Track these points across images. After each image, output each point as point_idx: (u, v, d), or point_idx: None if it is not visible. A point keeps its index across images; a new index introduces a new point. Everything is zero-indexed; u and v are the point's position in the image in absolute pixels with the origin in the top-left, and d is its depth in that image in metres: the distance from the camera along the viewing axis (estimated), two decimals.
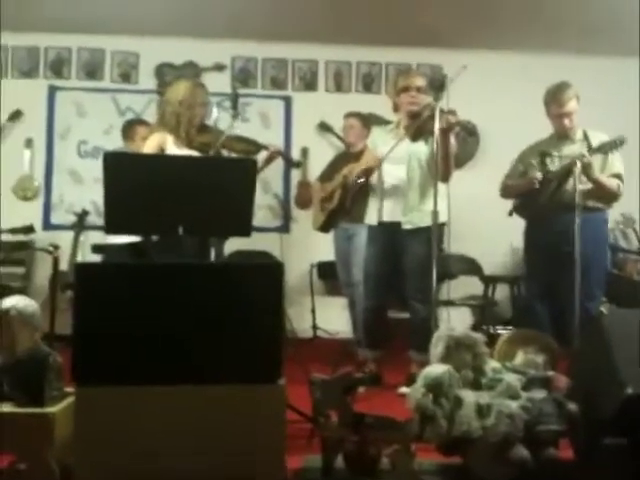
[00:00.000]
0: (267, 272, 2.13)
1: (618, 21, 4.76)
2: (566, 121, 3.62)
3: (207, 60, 5.46)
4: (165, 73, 5.43)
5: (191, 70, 5.40)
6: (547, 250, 3.56)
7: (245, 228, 2.75)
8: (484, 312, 4.84)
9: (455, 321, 4.53)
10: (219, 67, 5.49)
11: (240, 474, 1.96)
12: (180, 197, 2.63)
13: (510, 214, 3.77)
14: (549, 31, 5.02)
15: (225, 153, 3.46)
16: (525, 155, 3.81)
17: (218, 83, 5.13)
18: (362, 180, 3.64)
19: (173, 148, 3.25)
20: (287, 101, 5.55)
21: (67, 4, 4.68)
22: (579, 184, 3.21)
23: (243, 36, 5.31)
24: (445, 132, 3.23)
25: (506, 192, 3.86)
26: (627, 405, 1.77)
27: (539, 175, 3.56)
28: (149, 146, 3.31)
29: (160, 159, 3.06)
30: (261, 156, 3.44)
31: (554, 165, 3.56)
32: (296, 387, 2.24)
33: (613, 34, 4.94)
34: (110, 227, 2.72)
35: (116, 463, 1.96)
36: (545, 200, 3.50)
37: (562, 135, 3.68)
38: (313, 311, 5.19)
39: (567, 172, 3.34)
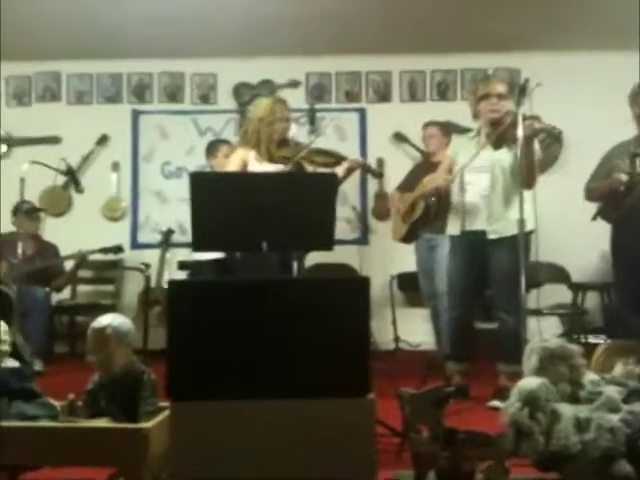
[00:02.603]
0: (354, 286, 2.13)
1: None
2: None
3: (282, 77, 5.55)
4: (242, 92, 5.56)
5: (267, 88, 5.51)
6: (635, 256, 3.39)
7: (327, 242, 2.76)
8: (574, 321, 4.67)
9: (544, 331, 4.39)
10: (294, 84, 5.57)
11: None
12: (264, 213, 2.67)
13: (594, 218, 3.63)
14: (629, 30, 4.83)
15: (306, 166, 3.50)
16: (609, 157, 3.67)
17: (293, 99, 5.20)
18: (434, 199, 3.59)
19: (255, 164, 3.33)
20: (362, 113, 5.57)
21: (146, 31, 4.86)
22: None
23: (316, 52, 5.38)
24: (529, 139, 3.15)
25: (590, 195, 3.73)
26: None
27: (624, 177, 3.41)
28: (232, 163, 3.41)
29: (243, 177, 3.14)
30: (341, 168, 3.45)
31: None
32: (382, 401, 2.22)
33: None
34: (197, 245, 2.79)
35: (210, 477, 1.99)
36: (632, 203, 3.35)
37: None
38: (394, 323, 5.15)
39: None
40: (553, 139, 3.70)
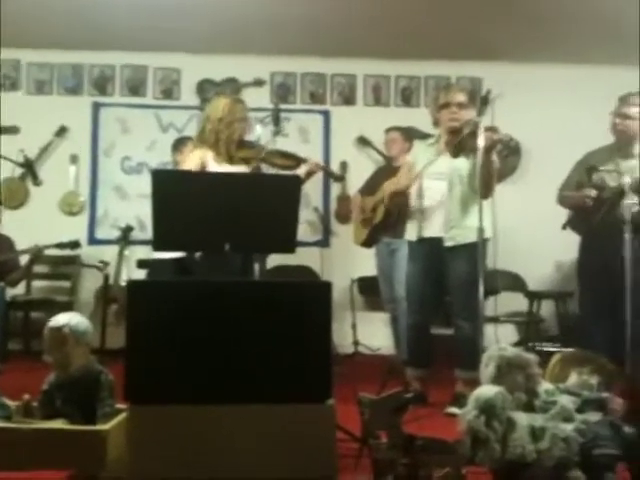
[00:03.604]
0: (316, 290, 2.13)
1: None
2: (621, 121, 3.54)
3: (247, 76, 5.52)
4: (206, 89, 5.51)
5: (231, 86, 5.47)
6: (601, 268, 3.48)
7: (290, 244, 2.76)
8: (529, 329, 4.77)
9: (500, 338, 4.47)
10: (259, 82, 5.54)
11: None
12: (226, 214, 2.66)
13: (564, 228, 3.71)
14: (590, 44, 4.95)
15: (265, 168, 3.49)
16: (580, 165, 3.75)
17: (258, 98, 5.19)
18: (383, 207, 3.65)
19: (214, 165, 3.28)
20: (326, 115, 5.58)
21: (110, 22, 4.78)
22: (634, 201, 3.14)
23: (282, 52, 5.37)
24: (487, 150, 3.21)
25: (562, 202, 3.80)
26: None
27: (593, 192, 3.50)
28: (190, 163, 3.35)
29: (207, 176, 3.09)
30: (301, 170, 3.45)
31: (611, 180, 3.48)
32: (341, 405, 2.23)
33: None
34: (158, 244, 2.76)
35: None
36: (599, 219, 3.43)
37: (622, 146, 3.60)
38: (354, 327, 5.17)
39: (621, 191, 3.27)
40: (511, 150, 3.76)
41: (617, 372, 2.21)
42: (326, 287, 2.15)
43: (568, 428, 1.94)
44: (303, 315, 2.07)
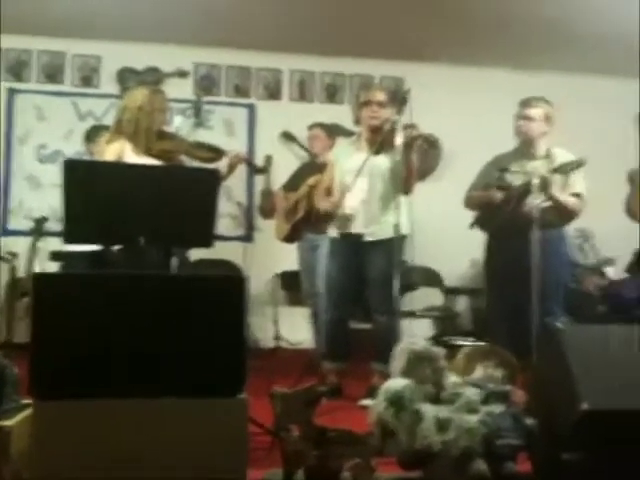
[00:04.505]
0: (230, 284, 2.12)
1: (585, 39, 4.87)
2: (523, 124, 3.67)
3: (170, 66, 5.41)
4: (127, 78, 5.36)
5: (153, 75, 5.35)
6: (507, 265, 3.61)
7: (206, 239, 2.74)
8: (445, 323, 4.90)
9: (417, 332, 4.58)
10: (182, 73, 5.44)
11: None
12: (141, 206, 2.61)
13: (471, 227, 3.82)
14: (512, 47, 5.12)
15: (186, 160, 3.44)
16: (488, 168, 3.87)
17: (181, 90, 5.11)
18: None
19: (132, 156, 3.20)
20: (251, 109, 5.55)
21: (28, 6, 4.59)
22: (538, 201, 3.28)
23: (207, 43, 5.29)
24: (407, 146, 3.28)
25: (469, 203, 3.91)
26: (584, 420, 1.80)
27: (499, 192, 3.62)
28: (107, 154, 3.26)
29: (121, 167, 3.01)
30: (223, 163, 3.42)
31: (516, 180, 3.62)
32: (259, 399, 2.23)
33: (579, 51, 5.06)
34: (69, 237, 2.69)
35: (74, 478, 1.91)
36: (505, 216, 3.56)
37: (525, 148, 3.74)
38: (276, 321, 5.17)
39: (526, 190, 3.40)
40: (429, 145, 3.86)
41: (520, 366, 2.30)
42: (239, 281, 2.15)
43: (472, 419, 2.01)
44: (216, 309, 2.05)
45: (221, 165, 3.38)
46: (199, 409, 1.97)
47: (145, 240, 2.64)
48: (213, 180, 2.77)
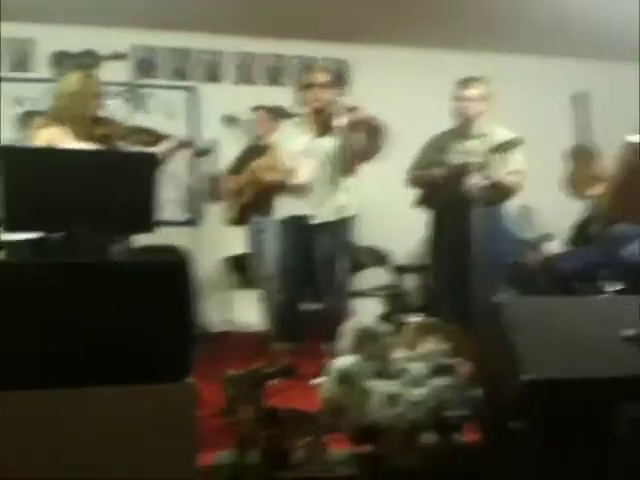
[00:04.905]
0: (172, 269, 2.09)
1: (521, 20, 4.95)
2: (461, 104, 3.72)
3: (107, 49, 5.26)
4: (62, 61, 5.20)
5: (89, 59, 5.19)
6: (450, 242, 3.68)
7: (147, 224, 2.70)
8: (394, 301, 4.97)
9: (367, 311, 4.62)
10: (119, 56, 5.29)
11: (149, 475, 1.92)
12: (78, 193, 2.56)
13: (415, 206, 3.87)
14: (451, 28, 5.16)
15: (124, 145, 3.38)
16: (428, 147, 3.92)
17: (118, 73, 4.98)
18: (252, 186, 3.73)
19: (68, 142, 3.14)
20: (191, 92, 5.45)
21: None
22: (477, 179, 3.35)
23: (145, 25, 5.17)
24: (350, 129, 3.30)
25: (411, 182, 3.96)
26: (526, 390, 1.85)
27: (440, 171, 3.68)
28: (42, 140, 3.19)
29: (57, 153, 2.94)
30: (162, 147, 3.36)
31: (456, 159, 3.67)
32: (212, 384, 2.23)
33: (516, 32, 5.14)
34: (8, 225, 2.62)
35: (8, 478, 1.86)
36: (446, 195, 3.62)
37: (464, 127, 3.79)
38: (226, 305, 5.14)
39: (466, 168, 3.47)
40: (373, 130, 3.90)
41: (465, 338, 2.35)
42: (182, 266, 2.12)
43: (420, 393, 2.05)
44: (158, 295, 2.02)
45: (160, 149, 3.33)
46: (144, 395, 1.94)
47: (83, 227, 2.59)
48: (151, 164, 2.74)
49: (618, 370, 1.91)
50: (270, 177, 3.72)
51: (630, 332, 1.97)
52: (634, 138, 2.57)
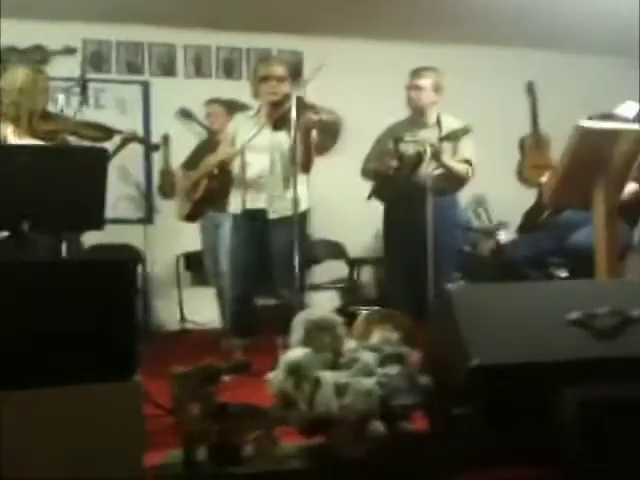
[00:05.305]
0: (118, 268, 2.05)
1: (476, 10, 4.97)
2: (414, 94, 3.73)
3: (56, 43, 5.16)
4: (9, 57, 5.07)
5: (38, 54, 5.08)
6: (404, 232, 3.70)
7: (97, 221, 2.65)
8: (350, 294, 4.98)
9: (324, 304, 4.63)
10: (69, 50, 5.19)
11: (96, 475, 1.88)
12: (24, 190, 2.50)
13: (369, 198, 3.88)
14: (405, 19, 5.17)
15: (74, 141, 3.32)
16: (382, 138, 3.92)
17: (69, 68, 4.87)
18: (205, 181, 3.69)
19: (15, 139, 3.07)
20: (145, 86, 5.37)
21: None
22: (430, 169, 3.37)
23: (96, 18, 5.07)
24: (306, 130, 3.29)
25: (366, 174, 3.97)
26: (472, 376, 1.86)
27: (394, 161, 3.68)
28: None
29: (2, 149, 2.88)
30: (113, 142, 3.32)
31: (409, 149, 3.69)
32: (165, 382, 2.19)
33: (472, 22, 5.17)
34: None
35: None
36: (400, 185, 3.63)
37: (416, 117, 3.81)
38: (180, 303, 5.09)
39: (419, 158, 3.48)
40: (330, 131, 3.90)
41: (415, 328, 2.36)
42: (129, 264, 2.08)
43: (369, 382, 2.04)
44: (104, 294, 1.98)
45: (111, 144, 3.28)
46: (90, 395, 1.91)
47: (30, 225, 2.53)
48: (101, 159, 2.68)
49: (563, 354, 1.94)
50: (213, 159, 3.67)
51: (575, 315, 1.99)
52: (585, 122, 2.61)
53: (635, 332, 2.00)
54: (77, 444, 1.89)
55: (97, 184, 2.61)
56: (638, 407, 1.89)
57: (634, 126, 2.75)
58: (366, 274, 5.24)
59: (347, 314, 3.05)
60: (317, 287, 4.49)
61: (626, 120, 3.21)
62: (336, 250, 5.12)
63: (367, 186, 3.96)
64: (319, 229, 4.71)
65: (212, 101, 4.73)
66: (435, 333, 2.20)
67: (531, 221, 3.42)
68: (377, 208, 3.99)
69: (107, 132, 3.35)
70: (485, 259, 4.65)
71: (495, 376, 1.88)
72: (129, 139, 3.44)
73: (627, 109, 3.46)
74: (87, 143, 3.33)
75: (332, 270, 5.11)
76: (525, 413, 1.90)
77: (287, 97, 3.42)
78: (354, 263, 5.07)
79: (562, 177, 2.63)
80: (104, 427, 1.88)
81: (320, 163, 3.70)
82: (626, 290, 2.25)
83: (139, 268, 4.75)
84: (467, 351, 1.90)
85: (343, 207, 4.91)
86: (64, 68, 4.54)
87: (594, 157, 2.59)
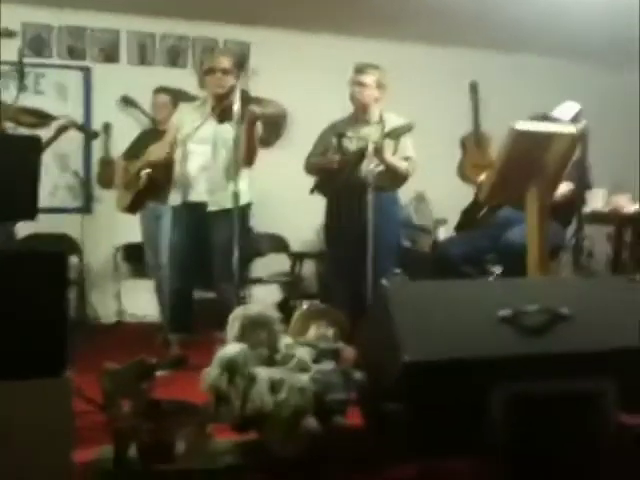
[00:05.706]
0: (46, 261, 1.99)
1: (426, 9, 4.99)
2: (357, 90, 3.75)
3: None
4: None
5: None
6: (344, 228, 3.72)
7: (29, 211, 2.56)
8: (292, 288, 4.98)
9: (265, 298, 4.61)
10: (8, 34, 4.99)
11: (23, 473, 1.83)
12: None
13: (311, 192, 3.88)
14: (358, 14, 5.17)
15: (11, 127, 3.21)
16: (325, 134, 3.93)
17: (7, 52, 4.70)
18: (147, 172, 3.61)
19: None
20: (86, 72, 5.23)
21: None
22: (372, 165, 3.39)
23: (37, 1, 4.90)
24: (249, 124, 3.27)
25: (309, 169, 3.97)
26: (404, 371, 1.88)
27: (336, 157, 3.70)
28: None
29: None
30: (51, 128, 3.22)
31: (352, 145, 3.70)
32: (95, 377, 2.14)
33: (421, 22, 5.20)
34: None
35: None
36: (342, 180, 3.65)
37: (359, 114, 3.83)
38: (118, 295, 4.99)
39: (361, 154, 3.50)
40: (275, 118, 3.88)
41: (351, 323, 2.37)
42: (58, 257, 2.02)
43: (304, 378, 2.05)
44: (33, 287, 1.92)
45: (48, 131, 3.18)
46: (16, 392, 1.85)
47: None
48: (34, 147, 2.59)
49: (492, 350, 1.97)
50: (154, 156, 3.62)
51: (505, 313, 2.03)
52: (519, 125, 2.67)
53: (564, 329, 2.05)
54: (3, 441, 1.84)
55: (29, 173, 2.53)
56: (565, 403, 1.94)
57: (568, 128, 2.82)
58: (308, 268, 5.24)
59: (287, 308, 3.06)
60: (259, 281, 4.47)
61: (561, 122, 3.30)
62: (279, 244, 5.11)
63: (310, 181, 3.96)
64: (262, 223, 4.68)
65: (159, 90, 4.64)
66: (370, 329, 2.21)
67: (468, 219, 3.48)
68: (320, 202, 4.00)
69: (46, 118, 3.25)
70: (425, 255, 4.71)
71: (427, 372, 1.90)
72: (66, 126, 3.34)
73: (566, 109, 3.56)
74: (25, 130, 3.22)
75: (274, 264, 5.09)
76: (456, 408, 1.93)
77: (232, 89, 3.39)
78: (296, 257, 5.06)
79: (497, 176, 2.69)
80: (32, 424, 1.83)
81: (264, 157, 3.68)
82: (556, 288, 2.31)
83: (76, 259, 4.64)
84: (400, 347, 1.92)
85: (286, 201, 4.89)
86: (3, 52, 4.37)
87: (527, 158, 2.65)
